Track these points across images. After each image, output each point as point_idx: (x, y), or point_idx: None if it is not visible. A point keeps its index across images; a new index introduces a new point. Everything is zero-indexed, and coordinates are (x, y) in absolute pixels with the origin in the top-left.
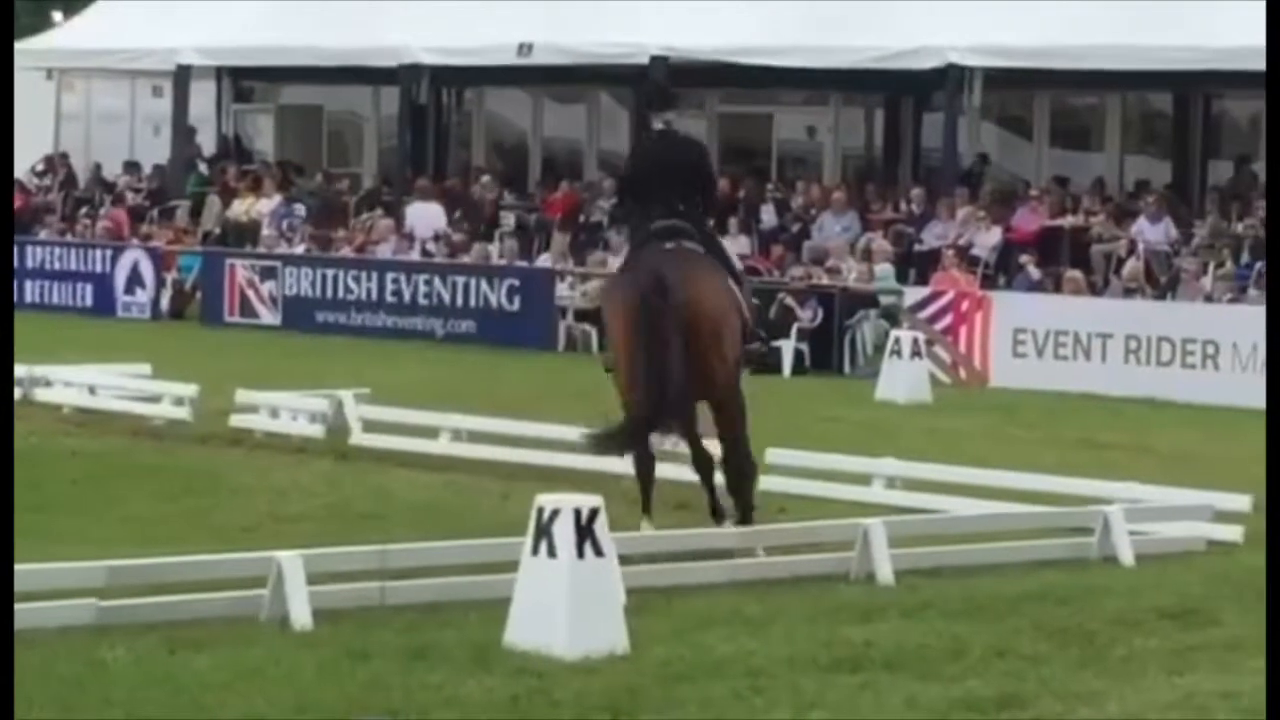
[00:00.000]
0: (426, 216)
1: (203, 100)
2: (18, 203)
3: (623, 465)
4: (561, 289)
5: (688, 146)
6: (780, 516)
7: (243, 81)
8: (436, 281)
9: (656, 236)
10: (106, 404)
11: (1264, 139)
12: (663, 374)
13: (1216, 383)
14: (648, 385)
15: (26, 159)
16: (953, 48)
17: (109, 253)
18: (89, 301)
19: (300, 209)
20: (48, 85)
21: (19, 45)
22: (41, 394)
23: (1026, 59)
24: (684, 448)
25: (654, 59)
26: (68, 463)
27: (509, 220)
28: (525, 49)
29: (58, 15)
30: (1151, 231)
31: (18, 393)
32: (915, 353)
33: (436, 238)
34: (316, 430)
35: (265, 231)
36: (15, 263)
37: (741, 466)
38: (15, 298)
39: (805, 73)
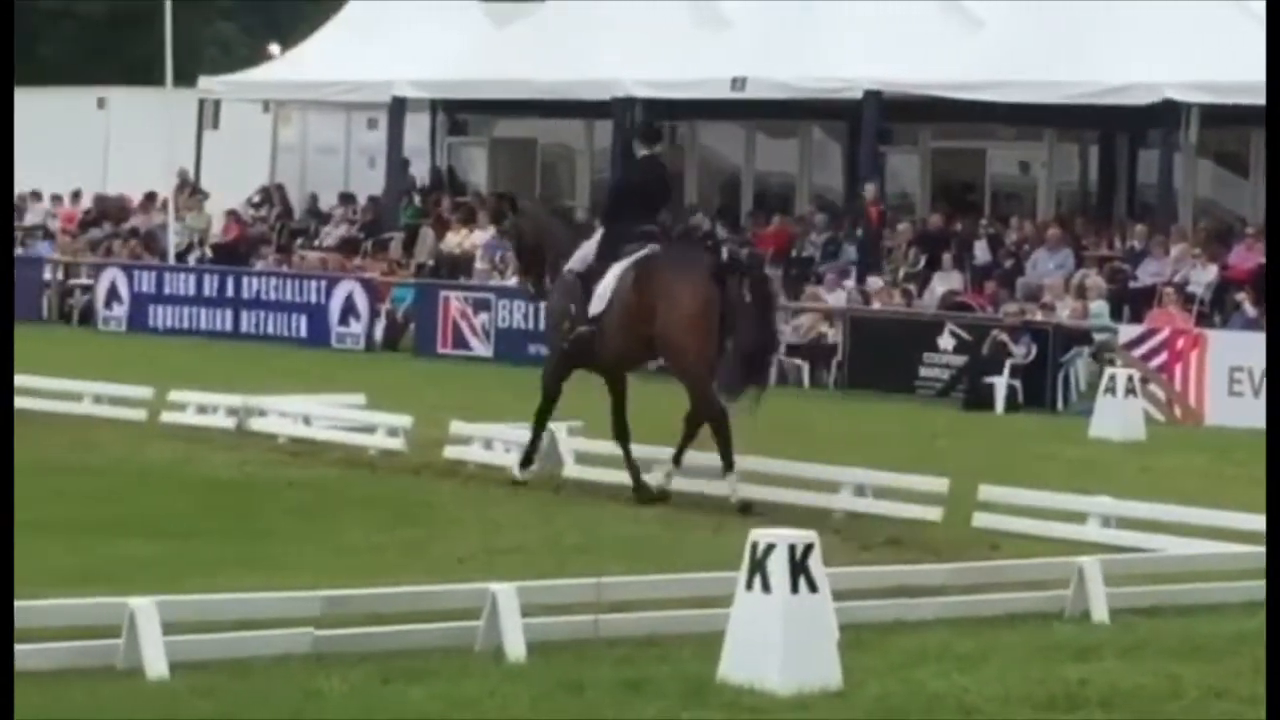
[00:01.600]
0: None
1: (417, 133)
2: (233, 233)
3: (837, 500)
4: None
5: (665, 172)
6: (993, 553)
7: (457, 114)
8: None
9: (642, 238)
10: (321, 434)
11: None
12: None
13: None
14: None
15: (243, 190)
16: (1169, 84)
17: (324, 284)
18: (304, 332)
19: None
20: (264, 117)
21: (237, 77)
22: (257, 424)
23: (1243, 95)
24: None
25: (867, 94)
26: (284, 492)
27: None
28: (739, 83)
29: (275, 48)
30: None
31: (231, 422)
32: (1129, 390)
33: None
34: None
35: (478, 264)
36: (231, 293)
37: None
38: (231, 327)
39: (1019, 108)
